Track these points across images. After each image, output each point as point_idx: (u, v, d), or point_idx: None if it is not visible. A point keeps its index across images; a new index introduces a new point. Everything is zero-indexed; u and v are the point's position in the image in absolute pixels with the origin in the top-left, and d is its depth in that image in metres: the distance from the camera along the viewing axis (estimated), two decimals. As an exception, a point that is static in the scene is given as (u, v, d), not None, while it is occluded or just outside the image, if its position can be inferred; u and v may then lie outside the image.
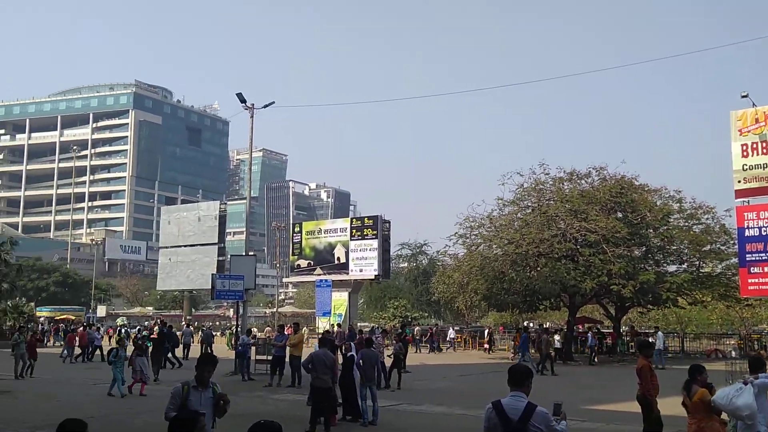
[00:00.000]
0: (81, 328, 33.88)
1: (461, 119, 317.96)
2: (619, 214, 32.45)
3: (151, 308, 77.74)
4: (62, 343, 35.53)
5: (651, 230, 32.74)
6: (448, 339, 42.39)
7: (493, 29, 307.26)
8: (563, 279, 30.01)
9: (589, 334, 33.88)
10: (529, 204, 34.21)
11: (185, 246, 41.44)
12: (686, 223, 32.74)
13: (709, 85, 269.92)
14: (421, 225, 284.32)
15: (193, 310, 70.92)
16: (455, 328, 46.27)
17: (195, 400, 6.34)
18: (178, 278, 42.34)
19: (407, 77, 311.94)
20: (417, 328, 44.23)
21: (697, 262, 33.03)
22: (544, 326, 33.16)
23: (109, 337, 43.53)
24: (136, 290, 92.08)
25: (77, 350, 30.91)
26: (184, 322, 51.64)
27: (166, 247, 43.42)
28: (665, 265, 34.10)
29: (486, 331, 41.79)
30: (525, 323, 44.10)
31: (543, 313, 42.01)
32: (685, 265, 33.50)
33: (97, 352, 31.35)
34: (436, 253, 48.35)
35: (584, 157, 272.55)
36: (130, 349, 20.32)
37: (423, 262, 56.22)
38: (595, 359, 31.16)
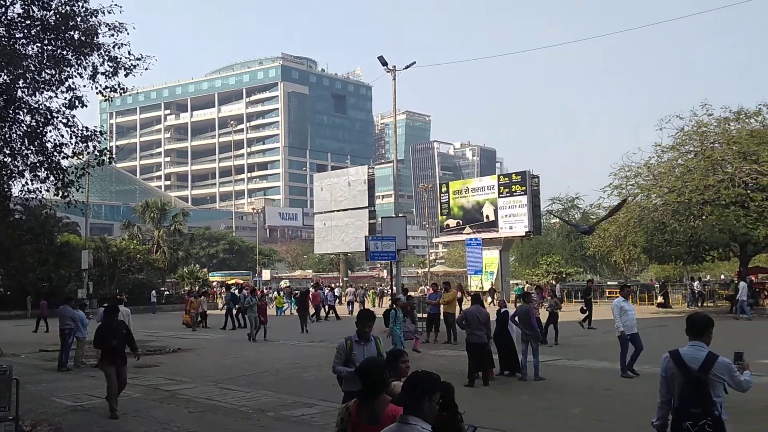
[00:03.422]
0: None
1: (608, 65, 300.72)
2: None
3: (310, 271, 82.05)
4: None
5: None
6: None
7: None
8: (732, 227, 27.86)
9: None
10: (691, 148, 31.95)
11: (338, 211, 43.40)
12: None
13: None
14: (572, 179, 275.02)
15: (350, 271, 73.86)
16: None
17: (359, 354, 6.64)
18: (333, 242, 44.51)
19: (549, 23, 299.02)
20: (558, 285, 40.22)
21: None
22: None
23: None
24: (295, 254, 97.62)
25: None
26: (340, 284, 54.11)
27: (321, 213, 45.71)
28: None
29: (660, 284, 38.28)
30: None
31: (710, 264, 39.36)
32: None
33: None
34: (590, 207, 46.57)
35: (751, 94, 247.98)
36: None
37: (576, 216, 54.44)
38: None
